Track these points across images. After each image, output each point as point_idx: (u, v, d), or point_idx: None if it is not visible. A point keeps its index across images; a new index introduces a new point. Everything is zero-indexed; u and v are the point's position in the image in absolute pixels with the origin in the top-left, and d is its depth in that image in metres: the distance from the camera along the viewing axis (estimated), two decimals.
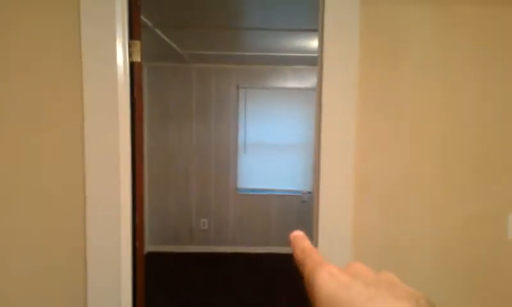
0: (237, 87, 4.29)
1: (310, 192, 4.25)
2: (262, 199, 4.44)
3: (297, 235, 0.33)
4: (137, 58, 1.15)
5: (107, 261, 1.08)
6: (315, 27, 1.15)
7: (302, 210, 4.24)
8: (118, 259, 1.08)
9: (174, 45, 3.23)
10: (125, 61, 1.09)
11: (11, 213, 1.06)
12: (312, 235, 1.16)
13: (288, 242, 0.33)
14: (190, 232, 4.40)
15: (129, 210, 1.15)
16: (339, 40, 1.07)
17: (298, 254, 0.31)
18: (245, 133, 4.39)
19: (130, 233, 1.17)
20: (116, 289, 1.09)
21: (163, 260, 4.12)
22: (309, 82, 4.19)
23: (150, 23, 2.49)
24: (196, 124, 4.31)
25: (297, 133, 4.34)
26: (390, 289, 0.24)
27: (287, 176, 4.40)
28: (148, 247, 4.26)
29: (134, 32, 1.13)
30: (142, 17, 1.18)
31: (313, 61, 1.18)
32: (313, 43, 3.03)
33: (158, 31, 2.70)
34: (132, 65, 1.13)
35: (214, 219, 4.43)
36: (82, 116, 1.03)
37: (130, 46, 1.12)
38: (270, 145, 4.38)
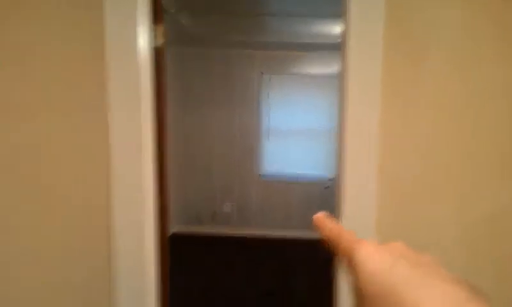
0: (261, 73, 4.26)
1: (332, 179, 4.21)
2: (285, 184, 4.45)
3: (321, 216, 0.33)
4: (160, 43, 1.15)
5: (131, 240, 1.11)
6: (339, 12, 1.11)
7: (325, 196, 4.22)
8: (142, 240, 1.11)
9: (197, 31, 3.23)
10: (148, 46, 1.09)
11: (40, 193, 1.11)
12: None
13: (312, 226, 0.33)
14: (213, 215, 4.48)
15: (152, 191, 1.18)
16: (363, 29, 1.03)
17: (327, 234, 0.31)
18: (269, 119, 4.37)
19: (154, 213, 1.20)
20: (141, 267, 1.13)
21: (185, 242, 4.23)
22: (333, 68, 4.10)
23: (172, 8, 2.50)
24: (219, 109, 4.33)
25: (321, 119, 4.28)
26: (437, 273, 0.23)
27: (310, 162, 4.37)
28: (171, 228, 4.38)
29: (156, 17, 1.13)
30: (164, 1, 1.18)
31: (338, 47, 1.14)
32: (338, 29, 2.95)
33: (181, 16, 2.71)
34: (155, 50, 1.14)
35: (237, 204, 4.48)
36: (105, 99, 1.05)
37: (152, 30, 1.12)
38: (293, 131, 4.35)
